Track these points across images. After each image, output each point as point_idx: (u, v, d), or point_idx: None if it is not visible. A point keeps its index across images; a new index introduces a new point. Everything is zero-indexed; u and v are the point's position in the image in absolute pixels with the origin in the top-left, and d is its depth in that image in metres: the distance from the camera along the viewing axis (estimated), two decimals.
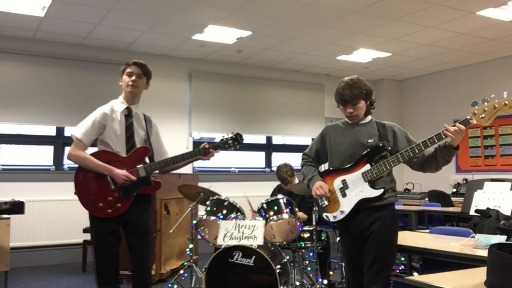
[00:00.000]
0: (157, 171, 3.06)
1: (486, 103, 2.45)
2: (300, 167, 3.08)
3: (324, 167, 3.00)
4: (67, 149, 2.99)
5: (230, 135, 3.09)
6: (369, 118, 2.88)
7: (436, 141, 2.56)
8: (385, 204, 2.72)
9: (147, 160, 3.04)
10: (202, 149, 3.03)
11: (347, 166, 2.79)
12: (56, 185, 6.25)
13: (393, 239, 2.74)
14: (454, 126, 2.50)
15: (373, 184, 2.71)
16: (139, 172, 2.94)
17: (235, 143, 3.07)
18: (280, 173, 4.76)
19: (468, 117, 2.50)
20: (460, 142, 2.57)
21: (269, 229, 4.02)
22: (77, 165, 2.98)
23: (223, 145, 3.08)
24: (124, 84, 3.05)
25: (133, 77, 3.02)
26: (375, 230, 2.68)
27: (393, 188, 2.81)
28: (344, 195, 2.77)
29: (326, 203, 2.83)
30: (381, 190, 2.68)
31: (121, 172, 2.89)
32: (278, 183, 4.96)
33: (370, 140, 2.76)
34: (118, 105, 3.05)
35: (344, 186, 2.78)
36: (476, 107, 2.48)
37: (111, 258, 2.93)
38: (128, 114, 3.04)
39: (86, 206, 2.91)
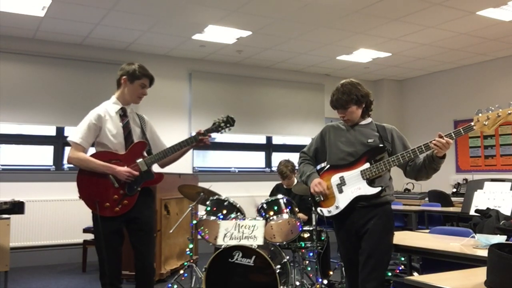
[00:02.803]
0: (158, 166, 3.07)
1: (490, 112, 2.47)
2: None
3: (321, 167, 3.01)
4: (67, 149, 3.00)
5: (222, 117, 3.19)
6: (369, 119, 2.90)
7: (425, 150, 2.61)
8: (381, 202, 2.73)
9: (145, 154, 3.06)
10: (197, 135, 3.10)
11: (346, 163, 2.80)
12: (56, 185, 6.25)
13: (388, 238, 2.74)
14: (443, 138, 2.53)
15: (371, 182, 2.72)
16: (140, 166, 2.97)
17: (227, 125, 3.18)
18: (281, 167, 4.78)
19: (472, 124, 2.52)
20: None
21: (269, 229, 4.02)
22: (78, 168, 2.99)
23: (216, 128, 3.17)
24: (135, 93, 3.07)
25: (146, 90, 3.10)
26: (369, 228, 2.69)
27: (390, 186, 2.82)
28: (340, 191, 2.78)
29: (322, 198, 2.85)
30: (379, 188, 2.70)
31: (123, 169, 2.91)
32: (276, 182, 4.96)
33: (370, 140, 2.78)
34: (111, 106, 3.07)
35: (342, 183, 2.79)
36: (480, 115, 2.51)
37: (115, 258, 2.94)
38: (123, 114, 3.06)
39: (93, 208, 2.92)
